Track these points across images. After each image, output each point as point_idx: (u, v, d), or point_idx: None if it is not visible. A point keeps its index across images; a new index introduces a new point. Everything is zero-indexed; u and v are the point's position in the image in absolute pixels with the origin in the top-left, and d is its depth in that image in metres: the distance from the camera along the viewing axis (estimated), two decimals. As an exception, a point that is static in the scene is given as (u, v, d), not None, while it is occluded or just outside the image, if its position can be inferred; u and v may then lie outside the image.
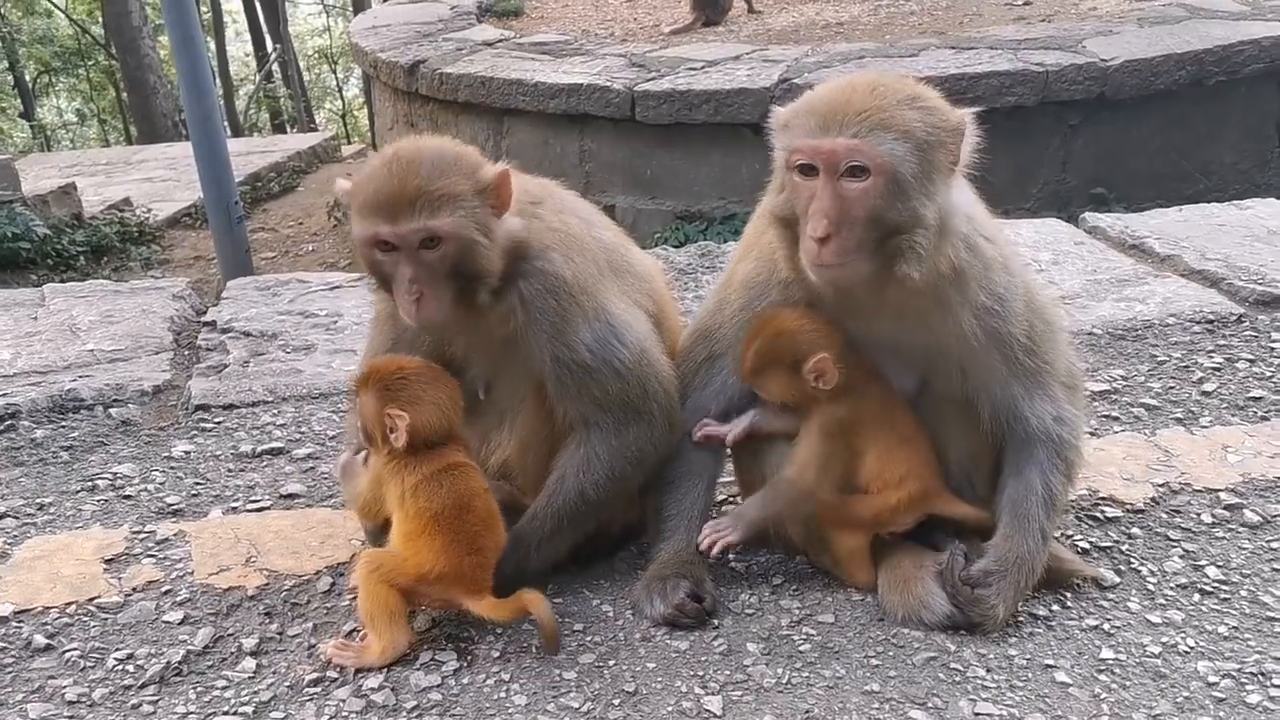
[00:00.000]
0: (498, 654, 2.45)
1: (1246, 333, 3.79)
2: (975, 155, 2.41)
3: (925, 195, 2.30)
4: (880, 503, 2.55)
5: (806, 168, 2.32)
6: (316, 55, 33.58)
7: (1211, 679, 2.32)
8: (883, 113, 2.28)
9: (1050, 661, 2.38)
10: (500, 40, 10.19)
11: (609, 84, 8.36)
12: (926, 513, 2.58)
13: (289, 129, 25.89)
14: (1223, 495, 2.91)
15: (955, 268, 2.37)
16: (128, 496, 3.14)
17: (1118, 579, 2.62)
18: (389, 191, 2.39)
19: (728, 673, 2.37)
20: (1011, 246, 2.58)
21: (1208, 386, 3.45)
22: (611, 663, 2.42)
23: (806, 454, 2.56)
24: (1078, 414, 2.60)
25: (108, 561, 2.83)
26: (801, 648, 2.44)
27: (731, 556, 2.77)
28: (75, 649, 2.51)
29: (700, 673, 2.38)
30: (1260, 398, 3.37)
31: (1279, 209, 5.00)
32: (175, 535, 2.92)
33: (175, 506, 3.07)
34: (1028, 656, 2.39)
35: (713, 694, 2.31)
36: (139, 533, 2.94)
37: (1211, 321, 3.87)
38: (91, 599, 2.68)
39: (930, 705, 2.27)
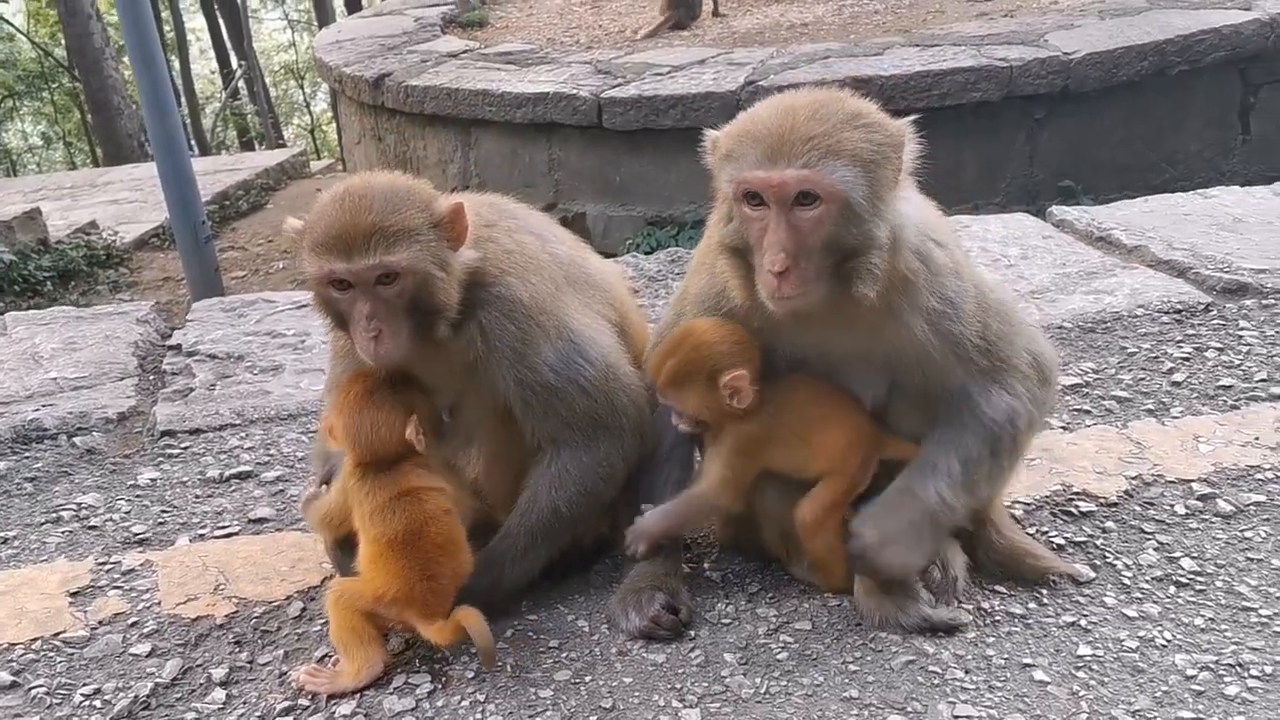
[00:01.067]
0: (472, 674, 2.42)
1: (1214, 321, 3.79)
2: (918, 161, 2.35)
3: (877, 215, 2.26)
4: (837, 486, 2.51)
5: (754, 197, 2.27)
6: (283, 71, 33.47)
7: (1190, 672, 2.31)
8: (829, 138, 2.22)
9: (1028, 660, 2.36)
10: (465, 51, 10.16)
11: (575, 92, 8.35)
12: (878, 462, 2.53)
13: (257, 146, 25.75)
14: (1195, 486, 2.91)
15: (906, 279, 2.35)
16: (93, 527, 3.09)
17: (1093, 574, 2.61)
18: (342, 228, 2.34)
19: (705, 684, 2.35)
20: (962, 250, 2.55)
21: (1177, 377, 3.46)
22: (588, 678, 2.39)
23: (716, 470, 2.52)
24: (1035, 409, 2.52)
25: (73, 595, 2.78)
26: (779, 656, 2.42)
27: (707, 565, 2.75)
28: (41, 686, 2.46)
29: (678, 685, 2.35)
30: (1230, 386, 3.38)
31: (1243, 196, 5.02)
32: (142, 565, 2.88)
33: (141, 536, 3.03)
34: (1005, 656, 2.38)
35: (690, 707, 2.28)
36: (104, 564, 2.90)
37: (1180, 311, 3.88)
38: (57, 634, 2.63)
39: (910, 709, 2.25)
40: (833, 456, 2.50)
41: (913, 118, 2.38)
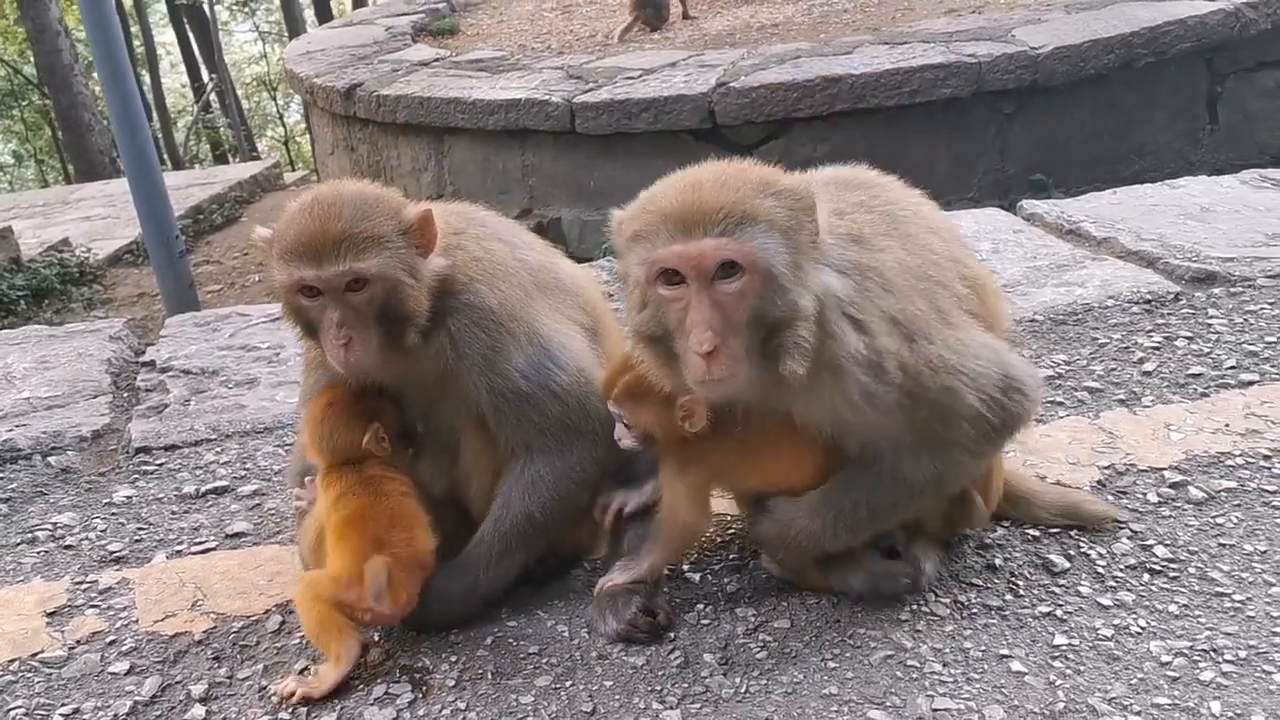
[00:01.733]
0: (453, 683, 2.42)
1: (1184, 310, 3.83)
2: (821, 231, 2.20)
3: (800, 284, 2.14)
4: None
5: (671, 276, 2.13)
6: (255, 83, 33.35)
7: (1164, 658, 2.33)
8: (743, 205, 2.12)
9: (1005, 651, 2.38)
10: (436, 59, 10.15)
11: (547, 97, 8.35)
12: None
13: (231, 159, 25.65)
14: (1167, 474, 2.93)
15: (832, 355, 2.20)
16: (69, 546, 3.07)
17: (1068, 564, 2.63)
18: (311, 235, 2.35)
19: (685, 685, 2.35)
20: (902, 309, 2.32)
21: (1148, 366, 3.49)
22: (569, 683, 2.40)
23: (671, 495, 2.52)
24: (971, 458, 2.43)
25: (50, 615, 2.77)
26: (758, 655, 2.43)
27: (686, 566, 2.75)
28: (20, 707, 2.45)
29: (658, 687, 2.36)
30: (1200, 374, 3.41)
31: (1210, 186, 5.07)
32: (119, 583, 2.86)
33: (118, 554, 3.01)
34: (983, 648, 2.40)
35: (671, 708, 2.29)
36: (81, 583, 2.88)
37: (1149, 301, 3.91)
38: (34, 654, 2.62)
39: (889, 704, 2.26)
40: (783, 474, 2.52)
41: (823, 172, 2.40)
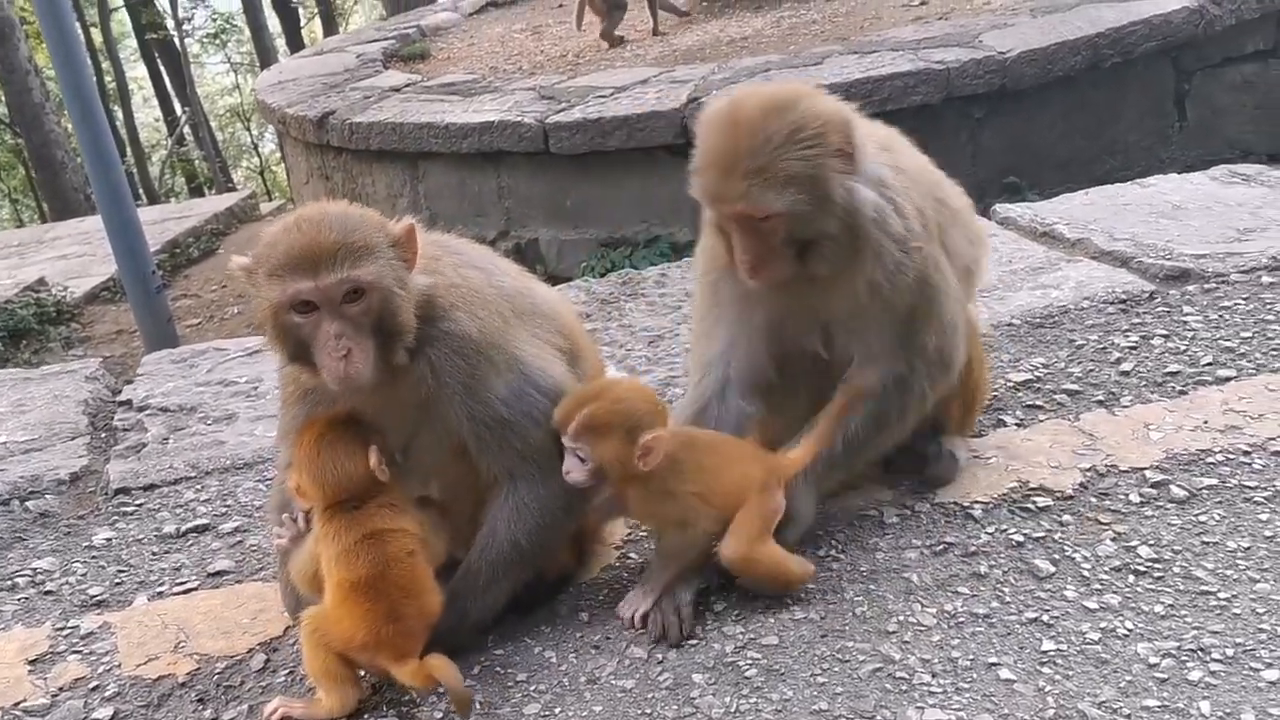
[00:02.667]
0: (440, 714, 2.40)
1: (1159, 309, 3.84)
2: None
3: (826, 213, 2.52)
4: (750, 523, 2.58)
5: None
6: (228, 114, 33.30)
7: (1152, 660, 2.33)
8: (766, 173, 2.45)
9: (993, 659, 2.38)
10: (408, 85, 10.14)
11: (520, 119, 8.35)
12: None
13: (206, 191, 25.58)
14: (1148, 473, 2.94)
15: (859, 251, 2.60)
16: (49, 592, 3.04)
17: (1053, 569, 2.63)
18: (304, 248, 2.32)
19: (675, 707, 2.34)
20: (929, 197, 2.79)
21: (1125, 366, 3.50)
22: (558, 710, 2.38)
23: (662, 518, 2.61)
24: (921, 387, 2.78)
25: (32, 662, 2.74)
26: (748, 673, 2.42)
27: (672, 587, 2.74)
28: (2, 758, 2.42)
29: (648, 710, 2.34)
30: (1177, 372, 3.42)
31: (1181, 183, 5.10)
32: (100, 628, 2.84)
33: (99, 597, 2.98)
34: (971, 657, 2.39)
35: (661, 731, 2.28)
36: (62, 629, 2.85)
37: (1124, 301, 3.92)
38: (17, 703, 2.59)
39: (879, 718, 2.25)
40: (732, 499, 2.58)
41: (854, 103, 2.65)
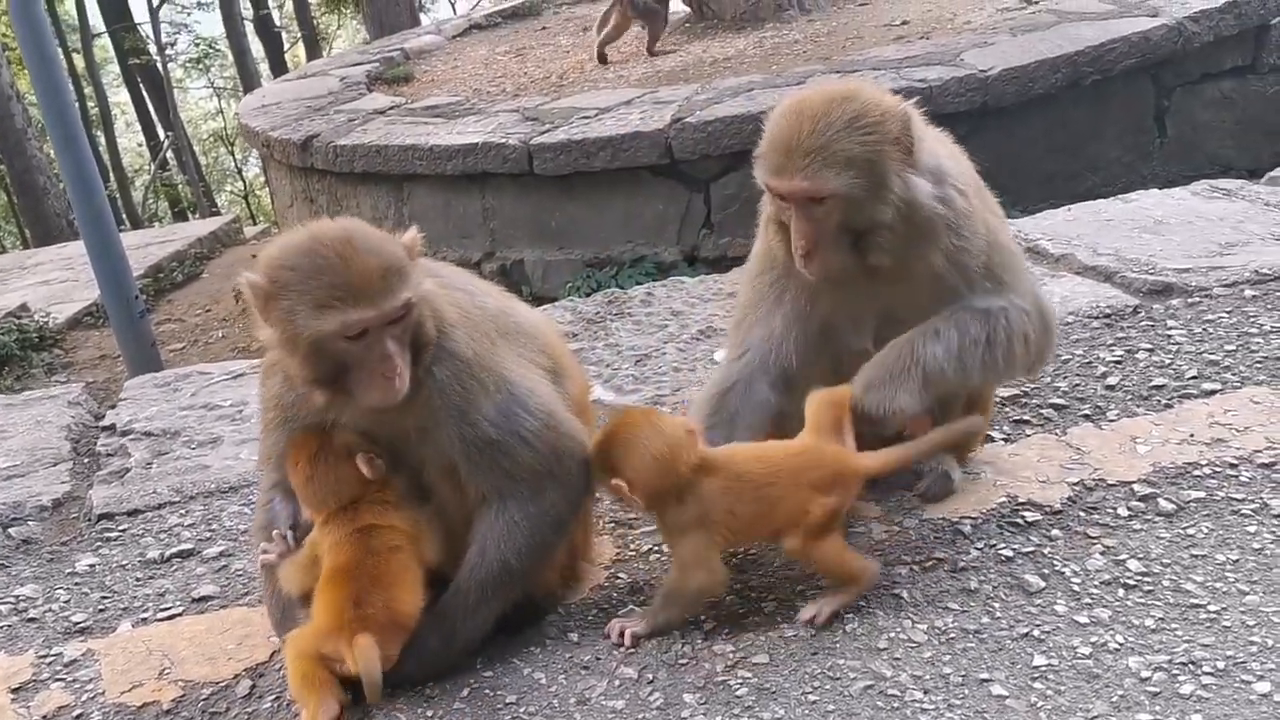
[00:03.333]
0: (428, 736, 2.38)
1: (1143, 323, 3.86)
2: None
3: (881, 201, 2.61)
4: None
5: (777, 196, 2.67)
6: (211, 139, 33.27)
7: (1144, 674, 2.32)
8: (825, 152, 2.56)
9: (985, 675, 2.37)
10: (392, 107, 10.16)
11: (505, 140, 8.37)
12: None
13: (190, 215, 25.54)
14: (1136, 487, 2.94)
15: (918, 242, 2.69)
16: (32, 619, 3.01)
17: (1043, 584, 2.62)
18: (355, 276, 2.31)
19: (666, 728, 2.33)
20: (979, 192, 2.92)
21: (1111, 380, 3.51)
22: (547, 732, 2.36)
23: (678, 555, 2.59)
24: (1030, 329, 2.84)
25: (14, 690, 2.70)
26: (738, 692, 2.40)
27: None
28: (-16, 789, 2.38)
29: (638, 732, 2.33)
30: (1162, 386, 3.43)
31: (1162, 198, 5.13)
32: (84, 655, 2.80)
33: (82, 624, 2.95)
34: (963, 673, 2.38)
35: (652, 753, 2.26)
36: (45, 656, 2.82)
37: (1109, 315, 3.94)
38: (-1, 733, 2.55)
39: (871, 736, 2.24)
40: (794, 512, 2.56)
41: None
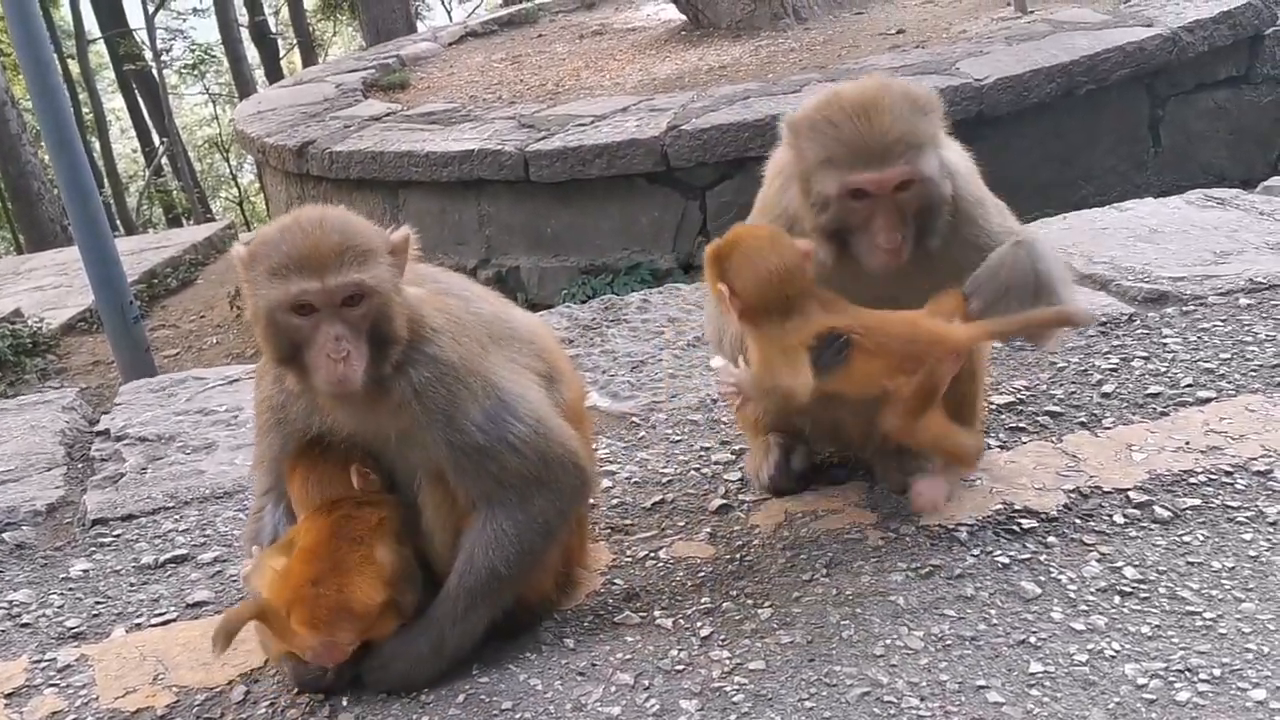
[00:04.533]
0: (424, 745, 2.37)
1: (1138, 331, 3.86)
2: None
3: (944, 178, 2.73)
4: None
5: (859, 193, 2.66)
6: (206, 145, 33.25)
7: (1140, 681, 2.32)
8: (914, 134, 2.64)
9: (982, 682, 2.37)
10: (388, 114, 10.16)
11: (500, 147, 8.37)
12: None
13: (184, 222, 25.51)
14: (1132, 494, 2.94)
15: (956, 218, 2.80)
16: (25, 624, 2.99)
17: (1039, 591, 2.62)
18: (308, 248, 2.33)
19: (662, 734, 2.32)
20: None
21: (1107, 388, 3.51)
22: (543, 739, 2.36)
23: (767, 357, 2.63)
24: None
25: (7, 696, 2.69)
26: (735, 698, 2.40)
27: (658, 613, 2.72)
28: (-24, 795, 2.37)
29: (634, 738, 2.32)
30: (1158, 394, 3.43)
31: (1157, 207, 5.14)
32: (77, 660, 2.79)
33: (76, 630, 2.93)
34: (959, 680, 2.38)
35: (648, 759, 2.25)
36: (39, 662, 2.80)
37: (1104, 324, 3.94)
38: (-8, 739, 2.54)
39: (868, 743, 2.24)
40: (893, 363, 2.62)
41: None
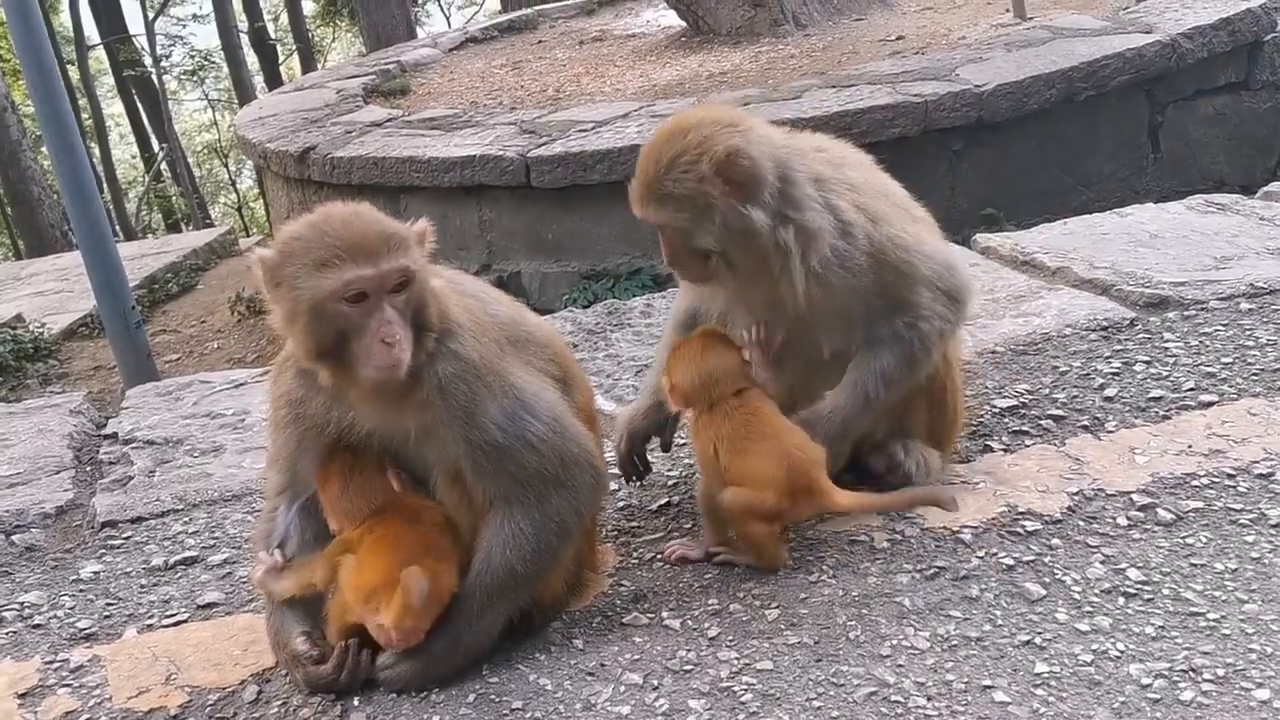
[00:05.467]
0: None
1: (1140, 335, 3.89)
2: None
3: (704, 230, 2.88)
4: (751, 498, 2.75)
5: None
6: (206, 150, 33.29)
7: (1145, 681, 2.35)
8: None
9: (988, 682, 2.39)
10: (389, 120, 10.20)
11: (502, 153, 8.41)
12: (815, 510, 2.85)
13: (184, 227, 25.53)
14: (1135, 497, 2.97)
15: (786, 248, 2.80)
16: (37, 626, 3.02)
17: (1044, 592, 2.65)
18: (356, 237, 2.38)
19: (672, 734, 2.34)
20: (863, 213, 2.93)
21: (1109, 392, 3.54)
22: (553, 738, 2.38)
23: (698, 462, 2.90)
24: (936, 325, 2.96)
25: (21, 696, 2.71)
26: (743, 698, 2.42)
27: (665, 614, 2.74)
28: (-9, 794, 2.39)
29: (644, 737, 2.34)
30: (1160, 397, 3.46)
31: (1158, 213, 5.17)
32: (90, 661, 2.81)
33: (88, 631, 2.96)
34: (965, 680, 2.40)
35: (658, 758, 2.28)
36: (52, 662, 2.83)
37: (1106, 328, 3.97)
38: (6, 738, 2.56)
39: (876, 742, 2.26)
40: (758, 479, 2.74)
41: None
